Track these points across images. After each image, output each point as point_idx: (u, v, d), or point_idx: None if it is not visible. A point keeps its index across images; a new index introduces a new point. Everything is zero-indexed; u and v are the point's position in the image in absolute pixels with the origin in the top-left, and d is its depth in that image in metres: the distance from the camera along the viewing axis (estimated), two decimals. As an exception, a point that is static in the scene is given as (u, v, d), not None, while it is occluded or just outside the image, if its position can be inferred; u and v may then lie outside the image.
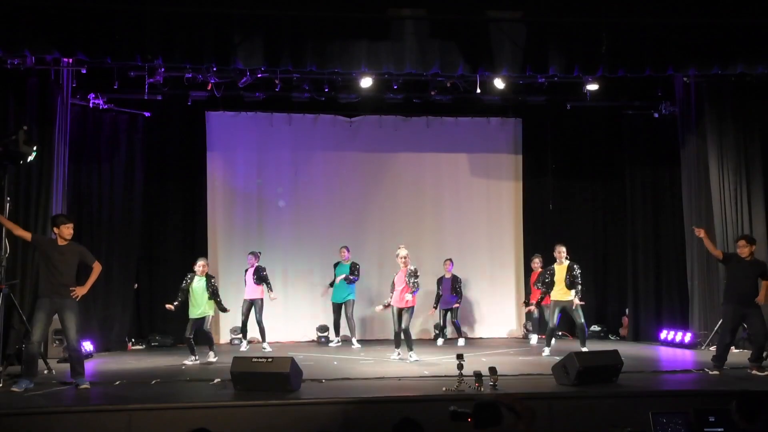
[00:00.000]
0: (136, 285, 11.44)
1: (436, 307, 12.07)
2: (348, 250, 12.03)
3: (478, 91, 11.12)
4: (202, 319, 9.94)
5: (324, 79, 11.32)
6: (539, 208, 13.26)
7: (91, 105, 11.21)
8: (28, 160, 8.80)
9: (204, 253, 12.07)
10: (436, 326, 12.48)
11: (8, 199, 8.67)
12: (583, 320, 10.21)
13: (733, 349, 9.84)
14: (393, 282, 9.90)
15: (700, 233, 9.12)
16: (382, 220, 13.06)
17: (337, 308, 11.97)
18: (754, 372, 8.48)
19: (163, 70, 10.61)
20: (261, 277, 11.32)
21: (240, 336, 11.73)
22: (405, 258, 9.83)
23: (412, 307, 9.75)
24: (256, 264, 11.43)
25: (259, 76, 11.02)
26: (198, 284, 9.92)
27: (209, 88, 11.24)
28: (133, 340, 11.82)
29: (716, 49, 9.45)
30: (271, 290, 11.38)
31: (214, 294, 9.96)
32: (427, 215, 13.24)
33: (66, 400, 7.24)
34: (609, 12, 9.21)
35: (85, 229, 10.96)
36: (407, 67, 9.36)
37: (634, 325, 12.35)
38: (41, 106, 10.03)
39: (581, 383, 7.36)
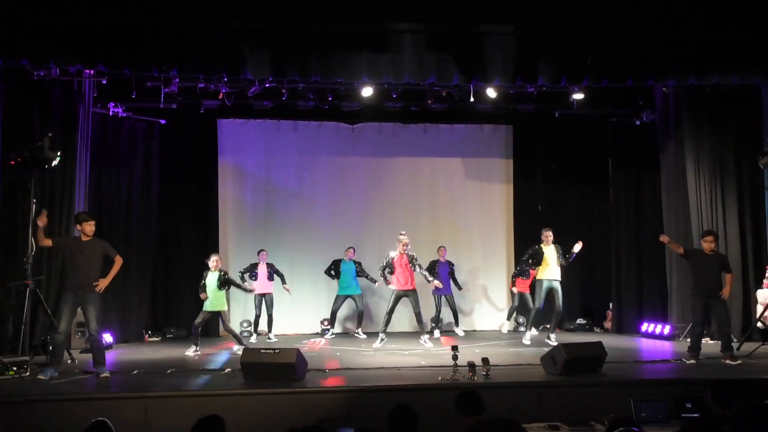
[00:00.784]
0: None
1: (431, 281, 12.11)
2: (354, 251, 12.08)
3: (472, 99, 11.16)
4: (217, 315, 9.93)
5: (327, 89, 11.33)
6: (529, 209, 13.28)
7: (110, 113, 11.23)
8: (53, 164, 8.86)
9: (214, 249, 12.06)
10: (432, 319, 12.47)
11: (34, 201, 8.71)
12: (561, 306, 10.23)
13: (709, 341, 9.88)
14: (391, 263, 9.90)
15: (664, 239, 9.32)
16: (382, 220, 13.07)
17: (341, 300, 11.97)
18: (727, 362, 8.50)
19: (177, 80, 10.65)
20: (276, 272, 11.41)
21: (250, 329, 11.72)
22: (406, 244, 9.88)
23: (415, 290, 9.85)
24: (267, 261, 11.48)
25: (267, 85, 11.03)
26: (211, 279, 9.93)
27: (220, 97, 11.26)
28: (149, 332, 11.84)
29: (693, 62, 9.47)
30: (285, 282, 11.49)
31: (225, 284, 9.92)
32: (424, 215, 13.26)
33: (88, 388, 7.26)
34: (594, 26, 9.22)
35: (105, 230, 10.92)
36: (405, 78, 9.36)
37: (617, 318, 12.37)
38: (65, 114, 10.06)
39: (568, 373, 7.37)
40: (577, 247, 10.34)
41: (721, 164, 11.06)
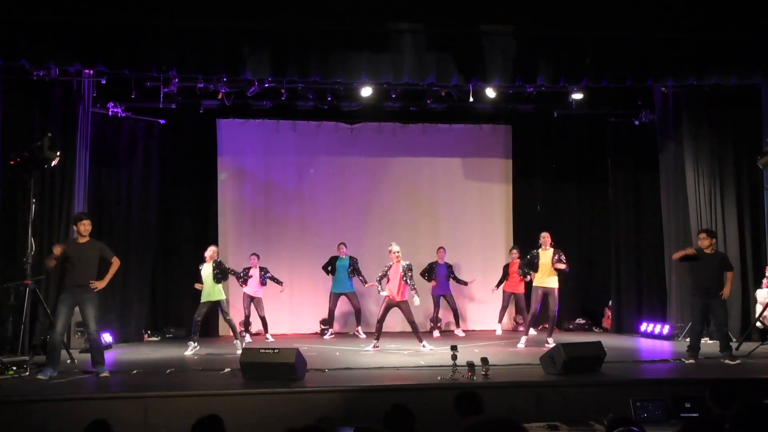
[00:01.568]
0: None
1: (429, 280, 12.14)
2: (346, 246, 12.07)
3: (471, 99, 11.13)
4: (216, 304, 9.91)
5: (327, 89, 11.31)
6: (528, 209, 13.27)
7: (110, 113, 11.21)
8: (52, 164, 8.85)
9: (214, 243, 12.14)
10: (431, 319, 12.49)
11: (34, 200, 8.72)
12: (556, 313, 10.25)
13: (708, 341, 9.88)
14: (386, 274, 9.92)
15: (677, 256, 9.11)
16: (382, 220, 13.07)
17: (335, 298, 11.96)
18: (726, 361, 8.50)
19: (177, 80, 10.62)
20: (272, 278, 11.44)
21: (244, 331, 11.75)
22: (398, 253, 9.86)
23: (406, 301, 9.87)
24: (259, 264, 11.50)
25: (266, 85, 11.02)
26: (206, 270, 9.96)
27: (220, 97, 11.24)
28: (149, 332, 11.84)
29: (692, 62, 9.47)
30: (281, 283, 11.52)
31: (221, 275, 9.91)
32: (424, 215, 13.25)
33: (87, 388, 7.26)
34: (593, 26, 9.23)
35: (105, 229, 10.97)
36: (405, 78, 9.36)
37: (617, 318, 12.36)
38: (64, 114, 10.05)
39: (567, 372, 7.36)
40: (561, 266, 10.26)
41: (721, 164, 11.06)
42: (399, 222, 13.03)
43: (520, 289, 12.03)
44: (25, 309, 8.43)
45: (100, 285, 7.97)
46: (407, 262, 9.93)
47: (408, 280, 9.79)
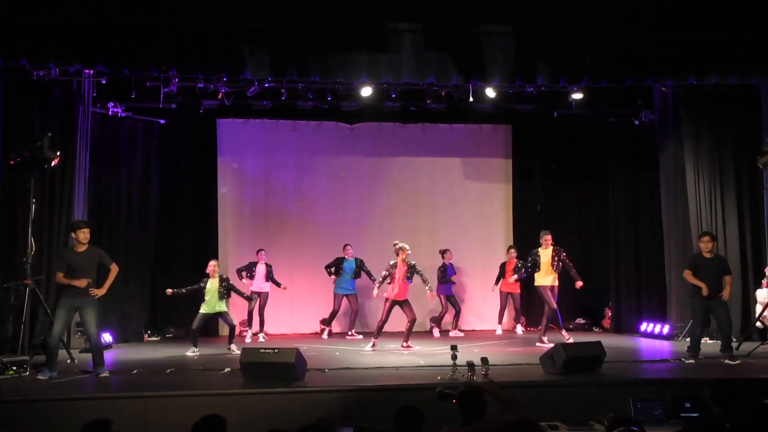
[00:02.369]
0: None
1: (433, 291, 12.09)
2: (351, 248, 12.08)
3: (471, 99, 11.11)
4: (214, 315, 9.94)
5: (327, 89, 11.31)
6: (528, 209, 13.28)
7: (110, 113, 11.19)
8: (52, 164, 8.85)
9: (215, 251, 12.21)
10: (432, 319, 12.49)
11: (34, 200, 8.73)
12: (555, 307, 10.24)
13: (707, 340, 9.88)
14: (392, 273, 9.90)
15: (691, 279, 8.92)
16: (381, 220, 13.08)
17: (340, 299, 11.98)
18: (726, 361, 8.50)
19: (177, 80, 10.60)
20: (271, 278, 11.48)
21: (246, 328, 11.74)
22: (406, 253, 9.90)
23: (407, 300, 9.97)
24: (265, 260, 11.52)
25: (266, 85, 11.00)
26: (211, 286, 9.94)
27: (220, 96, 11.21)
28: (149, 331, 11.83)
29: (692, 62, 9.46)
30: (278, 285, 11.53)
31: (226, 293, 9.99)
32: (424, 215, 13.26)
33: (87, 388, 7.27)
34: (593, 26, 9.22)
35: (105, 229, 10.98)
36: (405, 77, 9.36)
37: (616, 317, 12.37)
38: (64, 114, 10.04)
39: (567, 372, 7.38)
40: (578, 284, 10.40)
41: (721, 164, 11.05)
42: (399, 222, 13.04)
43: (517, 289, 12.06)
44: (24, 309, 8.44)
45: (100, 292, 7.99)
46: (413, 262, 9.97)
47: (412, 277, 9.90)
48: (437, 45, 9.23)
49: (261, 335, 11.49)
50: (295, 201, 12.99)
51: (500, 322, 12.38)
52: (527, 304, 12.49)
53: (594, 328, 12.78)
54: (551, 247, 10.42)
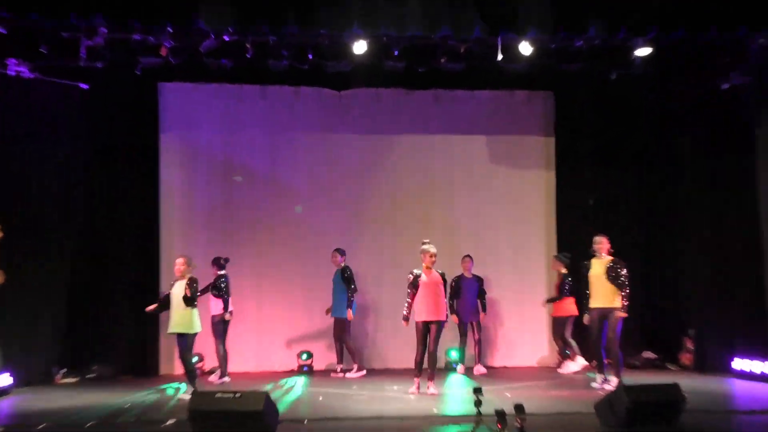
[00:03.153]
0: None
1: (455, 316, 12.12)
2: (342, 254, 12.01)
3: (500, 57, 11.05)
4: (184, 339, 9.79)
5: (307, 44, 11.21)
6: (576, 204, 13.24)
7: (11, 72, 11.06)
8: None
9: (155, 260, 12.21)
10: (447, 351, 12.41)
11: None
12: (617, 340, 10.17)
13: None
14: (417, 283, 9.82)
15: None
16: (381, 218, 13.09)
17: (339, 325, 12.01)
18: None
19: (104, 30, 10.45)
20: (218, 288, 11.34)
21: (202, 365, 11.70)
22: (434, 257, 9.88)
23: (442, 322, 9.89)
24: (218, 272, 11.50)
25: (226, 39, 10.90)
26: (176, 290, 9.87)
27: (163, 53, 11.03)
28: (63, 370, 11.71)
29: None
30: (226, 309, 11.37)
31: (191, 297, 9.81)
32: (436, 212, 13.25)
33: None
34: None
35: (14, 224, 10.72)
36: (411, 29, 9.28)
37: (700, 351, 12.26)
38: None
39: (631, 424, 7.34)
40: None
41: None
42: (404, 221, 13.03)
43: (575, 311, 11.99)
44: None
45: None
46: (440, 270, 9.97)
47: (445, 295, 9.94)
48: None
49: (220, 374, 11.40)
50: (265, 192, 12.95)
51: (573, 357, 12.14)
52: (578, 332, 12.33)
53: (669, 366, 12.70)
54: (606, 258, 10.28)
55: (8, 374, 10.22)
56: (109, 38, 10.73)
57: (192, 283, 9.88)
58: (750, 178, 11.69)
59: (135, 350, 12.06)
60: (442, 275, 10.01)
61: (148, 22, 9.66)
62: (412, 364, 10.06)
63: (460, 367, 12.16)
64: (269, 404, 7.30)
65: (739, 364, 11.46)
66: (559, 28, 9.40)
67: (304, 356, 12.34)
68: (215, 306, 11.36)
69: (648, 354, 12.77)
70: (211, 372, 11.66)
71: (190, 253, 12.27)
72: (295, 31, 9.47)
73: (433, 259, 9.90)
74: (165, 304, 10.04)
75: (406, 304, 9.90)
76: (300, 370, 12.26)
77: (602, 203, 13.19)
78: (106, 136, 12.31)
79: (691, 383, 8.96)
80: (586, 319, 10.63)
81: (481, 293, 12.31)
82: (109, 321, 12.01)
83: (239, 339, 12.10)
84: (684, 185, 12.65)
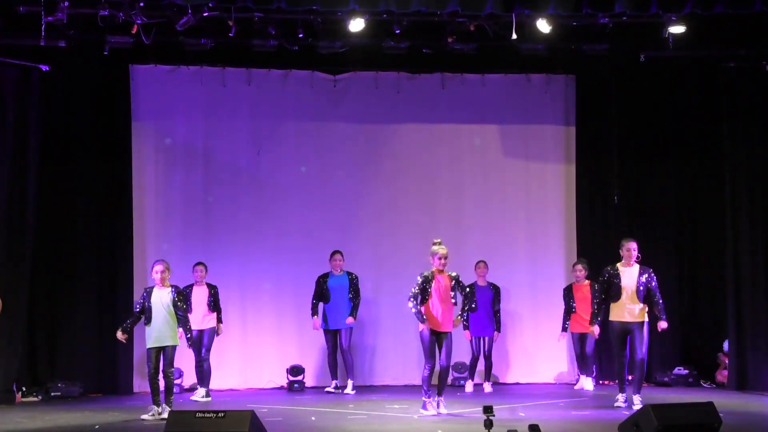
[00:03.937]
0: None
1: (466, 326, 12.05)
2: (342, 257, 12.01)
3: (514, 36, 11.04)
4: (162, 352, 9.77)
5: (298, 21, 11.25)
6: (600, 201, 13.25)
7: (-44, 52, 11.14)
8: None
9: (127, 265, 12.16)
10: (458, 367, 12.41)
11: None
12: (645, 354, 10.12)
13: None
14: (426, 289, 9.75)
15: None
16: (380, 217, 13.09)
17: (332, 338, 11.99)
18: None
19: (67, 3, 10.45)
20: (216, 302, 11.42)
21: (180, 381, 11.76)
22: (445, 259, 9.76)
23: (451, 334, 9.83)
24: (206, 281, 11.48)
25: (205, 14, 10.92)
26: (157, 299, 9.79)
27: (135, 31, 11.08)
28: (23, 389, 11.68)
29: None
30: (221, 322, 11.53)
31: (183, 314, 9.82)
32: (442, 208, 13.28)
33: None
34: None
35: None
36: (414, 4, 9.23)
37: (739, 366, 12.17)
38: None
39: (662, 450, 7.27)
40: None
41: None
42: (406, 219, 13.04)
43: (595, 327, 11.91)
44: None
45: None
46: (454, 273, 9.83)
47: (455, 300, 9.79)
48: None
49: (201, 392, 11.40)
50: (250, 188, 12.95)
51: (584, 372, 12.23)
52: (601, 347, 12.35)
53: (703, 383, 12.69)
54: (636, 266, 10.22)
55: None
56: (72, 12, 10.70)
57: (180, 294, 9.89)
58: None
59: (104, 365, 12.02)
60: (455, 278, 9.82)
61: (117, -4, 9.64)
62: (412, 381, 10.06)
63: (468, 384, 12.15)
64: (255, 425, 7.29)
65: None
66: (581, 4, 9.36)
67: (295, 371, 12.32)
68: (209, 319, 11.41)
69: (680, 370, 12.71)
70: (192, 389, 11.68)
71: (167, 256, 12.33)
72: (284, 6, 9.43)
73: (443, 261, 9.79)
74: (140, 319, 9.94)
75: (415, 310, 9.75)
76: (290, 387, 12.25)
77: (628, 200, 13.14)
78: (67, 125, 12.30)
79: (728, 402, 8.92)
80: (595, 330, 10.64)
81: (494, 305, 12.20)
82: (74, 333, 12.00)
83: (222, 352, 12.09)
84: (726, 180, 12.56)
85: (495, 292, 12.27)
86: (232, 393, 12.08)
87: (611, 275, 10.31)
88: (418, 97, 13.18)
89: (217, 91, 12.86)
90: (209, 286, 11.56)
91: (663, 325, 10.27)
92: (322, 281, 12.00)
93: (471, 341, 12.11)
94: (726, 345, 12.47)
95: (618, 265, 10.35)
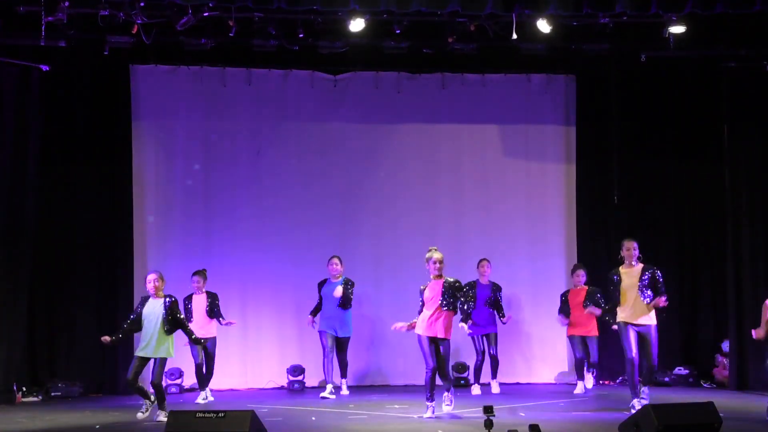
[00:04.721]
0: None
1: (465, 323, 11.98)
2: (341, 262, 11.90)
3: (515, 36, 11.02)
4: (152, 362, 9.72)
5: (298, 21, 11.26)
6: (600, 201, 13.25)
7: (-44, 52, 11.16)
8: None
9: (128, 268, 12.17)
10: (459, 367, 12.42)
11: None
12: (656, 361, 10.11)
13: None
14: (423, 297, 9.74)
15: None
16: (380, 217, 13.09)
17: (331, 341, 11.85)
18: None
19: (67, 3, 10.47)
20: (215, 311, 11.39)
21: (180, 382, 11.79)
22: (440, 263, 9.68)
23: (448, 340, 9.71)
24: (205, 289, 11.46)
25: (205, 14, 10.94)
26: (150, 309, 9.75)
27: (135, 31, 11.09)
28: (24, 389, 11.68)
29: None
30: (224, 318, 11.46)
31: (175, 323, 9.74)
32: (442, 208, 13.28)
33: None
34: None
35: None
36: (414, 4, 9.23)
37: (738, 366, 12.19)
38: None
39: (662, 450, 7.26)
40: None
41: None
42: (407, 220, 13.03)
43: (593, 330, 11.92)
44: None
45: None
46: (453, 278, 9.70)
47: (455, 303, 9.63)
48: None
49: (203, 394, 11.36)
50: (250, 188, 12.95)
51: (582, 377, 12.17)
52: (602, 349, 12.30)
53: (703, 383, 12.70)
54: (638, 266, 10.19)
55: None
56: (73, 12, 10.72)
57: (174, 306, 9.81)
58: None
59: (104, 365, 12.04)
60: (451, 284, 9.63)
61: (117, -4, 9.65)
62: (414, 380, 10.04)
63: (475, 388, 12.03)
64: (256, 425, 7.29)
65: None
66: (581, 4, 9.36)
67: (295, 371, 12.33)
68: (209, 327, 11.37)
69: (680, 370, 12.74)
70: (193, 389, 11.69)
71: (167, 257, 12.43)
72: (284, 6, 9.42)
73: (438, 265, 9.69)
74: (133, 328, 9.90)
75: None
76: (290, 387, 12.26)
77: (628, 200, 13.12)
78: (67, 125, 12.29)
79: (728, 402, 8.92)
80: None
81: (496, 303, 12.14)
82: (74, 333, 12.03)
83: (222, 352, 12.02)
84: (725, 180, 12.57)
85: (495, 291, 12.21)
86: (233, 393, 12.10)
87: (613, 280, 10.25)
88: (419, 97, 13.18)
89: (217, 91, 12.86)
90: (208, 294, 11.46)
91: (662, 300, 10.11)
92: (318, 288, 11.92)
93: (474, 340, 12.04)
94: (725, 345, 12.53)
95: (620, 268, 10.32)
